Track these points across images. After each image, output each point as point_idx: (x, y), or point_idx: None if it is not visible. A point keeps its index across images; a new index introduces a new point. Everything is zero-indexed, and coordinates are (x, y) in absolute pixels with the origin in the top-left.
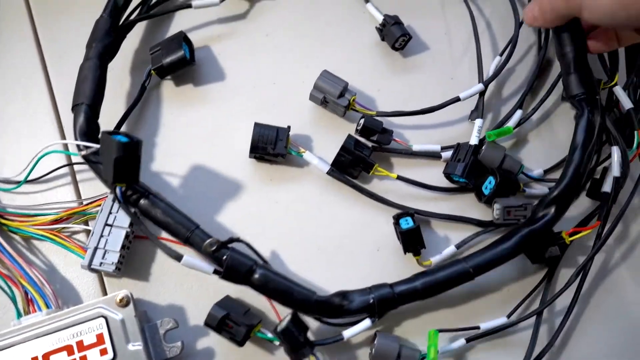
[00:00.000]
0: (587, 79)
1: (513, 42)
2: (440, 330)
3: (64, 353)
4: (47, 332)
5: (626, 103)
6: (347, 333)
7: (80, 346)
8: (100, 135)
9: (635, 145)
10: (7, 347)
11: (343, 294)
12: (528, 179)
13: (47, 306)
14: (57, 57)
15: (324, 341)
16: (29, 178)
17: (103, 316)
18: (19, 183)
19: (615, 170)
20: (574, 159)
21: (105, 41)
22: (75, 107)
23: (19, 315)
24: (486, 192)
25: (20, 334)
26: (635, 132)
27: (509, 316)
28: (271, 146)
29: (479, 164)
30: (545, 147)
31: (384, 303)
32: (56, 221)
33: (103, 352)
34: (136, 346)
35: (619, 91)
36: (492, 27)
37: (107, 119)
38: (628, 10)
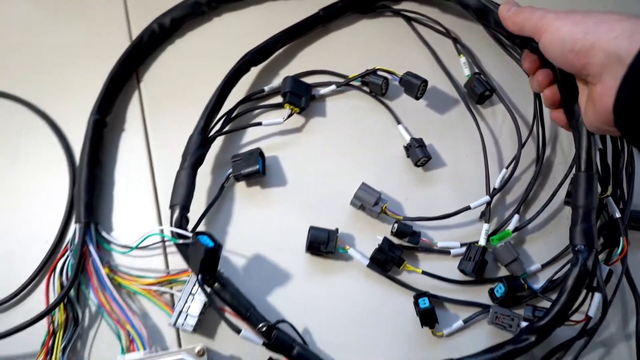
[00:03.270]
0: (589, 234)
1: (516, 159)
2: None
3: None
4: None
5: (616, 213)
6: None
7: None
8: (192, 236)
9: (620, 249)
10: None
11: None
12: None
13: (143, 347)
14: (159, 144)
15: None
16: (139, 246)
17: None
18: (131, 248)
19: (592, 311)
20: (560, 301)
21: (197, 154)
22: (172, 207)
23: (123, 351)
24: (497, 295)
25: None
26: (621, 239)
27: None
28: (323, 246)
29: (486, 262)
30: (543, 244)
31: None
32: (152, 284)
33: None
34: None
35: (611, 202)
36: (500, 145)
37: (195, 207)
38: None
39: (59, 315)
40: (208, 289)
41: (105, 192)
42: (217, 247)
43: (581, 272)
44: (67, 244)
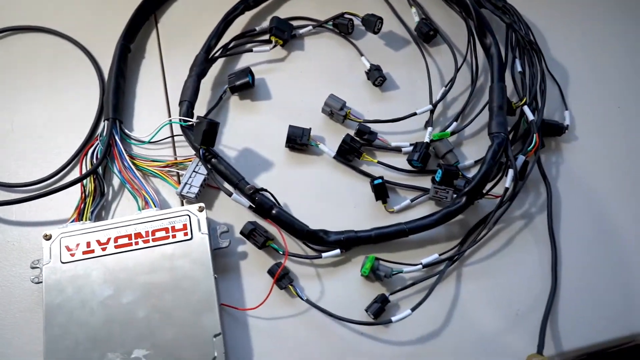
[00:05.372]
0: (501, 125)
1: (453, 80)
2: (377, 258)
3: (163, 231)
4: (155, 219)
5: (530, 116)
6: (324, 255)
7: (173, 229)
8: (195, 118)
9: (532, 144)
10: (133, 224)
11: (325, 231)
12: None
13: (155, 206)
14: (172, 71)
15: (307, 256)
16: (152, 140)
17: (188, 215)
18: (146, 142)
19: (508, 183)
20: (481, 170)
21: (201, 67)
22: (181, 102)
23: (139, 209)
24: (437, 178)
25: (143, 218)
26: (534, 135)
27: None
28: (299, 138)
29: (429, 155)
30: (476, 147)
31: (349, 241)
32: (164, 166)
33: (185, 234)
34: (204, 235)
35: (525, 109)
36: (442, 72)
37: (197, 113)
38: None
39: (90, 185)
40: (207, 165)
41: (127, 102)
42: (216, 123)
43: (495, 150)
44: (97, 136)
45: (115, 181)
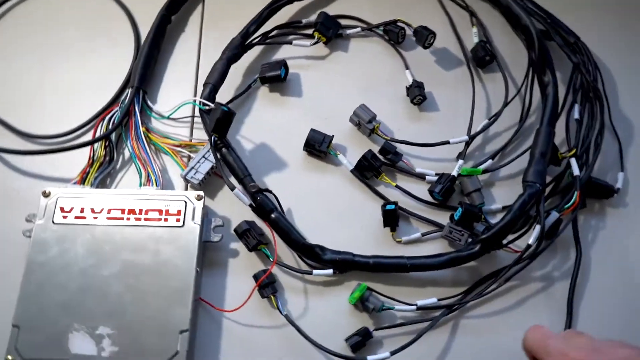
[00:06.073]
0: (539, 174)
1: (498, 114)
2: (369, 288)
3: (157, 212)
4: (152, 198)
5: (576, 171)
6: (315, 272)
7: (167, 212)
8: (214, 104)
9: (571, 202)
10: (129, 199)
11: (322, 247)
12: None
13: (157, 185)
14: (208, 51)
15: (298, 269)
16: (172, 116)
17: (185, 201)
18: (165, 117)
19: (532, 240)
20: (504, 219)
21: (234, 52)
22: (205, 84)
23: (140, 185)
24: (456, 217)
25: (140, 194)
26: (575, 193)
27: (440, 299)
28: (318, 144)
29: (453, 190)
30: (509, 191)
31: (345, 264)
32: (177, 145)
33: (178, 220)
34: (196, 224)
35: (572, 161)
36: (491, 103)
37: (222, 97)
38: None
39: (100, 150)
40: (217, 153)
41: (157, 73)
42: (231, 113)
43: (525, 200)
44: (119, 102)
45: (127, 152)
